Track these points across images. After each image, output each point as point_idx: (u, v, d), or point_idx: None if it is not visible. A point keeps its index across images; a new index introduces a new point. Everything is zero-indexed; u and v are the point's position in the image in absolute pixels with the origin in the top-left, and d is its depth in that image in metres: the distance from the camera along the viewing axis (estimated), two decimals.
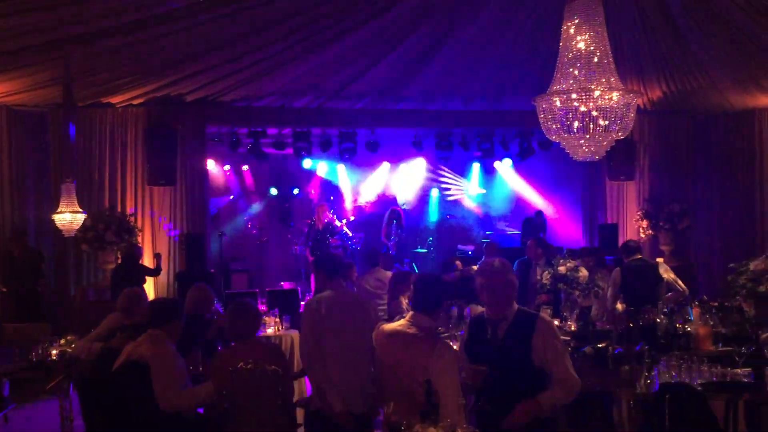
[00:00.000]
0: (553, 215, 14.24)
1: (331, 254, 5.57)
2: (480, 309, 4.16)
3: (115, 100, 10.44)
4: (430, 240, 14.54)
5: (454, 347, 4.11)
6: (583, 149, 6.28)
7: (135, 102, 10.60)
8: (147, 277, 9.79)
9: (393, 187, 14.88)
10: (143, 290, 6.96)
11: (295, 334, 7.16)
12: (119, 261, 9.76)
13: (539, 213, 13.80)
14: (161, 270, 10.05)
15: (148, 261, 10.39)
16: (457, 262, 8.88)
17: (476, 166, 14.83)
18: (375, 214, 14.71)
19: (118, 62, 8.79)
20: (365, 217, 14.63)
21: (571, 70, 6.02)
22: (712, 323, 5.72)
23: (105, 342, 5.26)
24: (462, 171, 14.84)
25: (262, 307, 9.52)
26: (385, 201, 14.74)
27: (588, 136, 6.11)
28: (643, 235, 12.08)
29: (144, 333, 4.36)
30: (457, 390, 3.43)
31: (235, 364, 3.95)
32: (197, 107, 10.88)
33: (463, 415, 3.37)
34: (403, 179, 14.78)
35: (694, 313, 5.94)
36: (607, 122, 6.03)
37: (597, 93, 5.85)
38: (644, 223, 12.12)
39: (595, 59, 5.98)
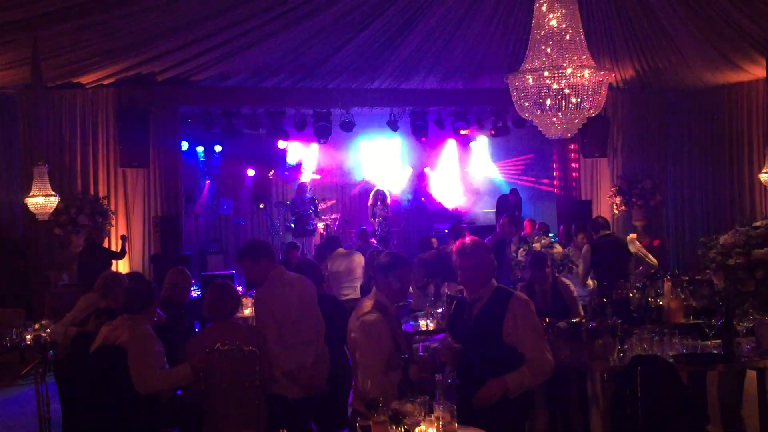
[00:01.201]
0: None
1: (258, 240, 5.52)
2: (457, 287, 4.19)
3: (85, 80, 10.26)
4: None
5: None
6: (556, 127, 6.33)
7: (105, 82, 10.43)
8: (115, 260, 9.74)
9: (368, 166, 14.85)
10: (121, 274, 6.87)
11: None
12: (84, 246, 9.66)
13: (514, 191, 13.89)
14: (126, 252, 9.98)
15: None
16: (433, 240, 8.92)
17: (452, 143, 14.84)
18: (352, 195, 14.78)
19: (88, 41, 8.62)
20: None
21: (543, 48, 6.08)
22: (683, 297, 5.81)
23: (80, 326, 5.23)
24: (438, 149, 14.84)
25: (240, 289, 9.53)
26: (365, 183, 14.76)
27: (560, 114, 6.22)
28: (616, 212, 12.25)
29: (120, 317, 4.34)
30: (366, 357, 3.53)
31: (212, 345, 3.96)
32: (169, 87, 10.74)
33: (372, 382, 3.43)
34: (379, 159, 14.74)
35: (666, 286, 6.03)
36: (579, 100, 6.12)
37: (569, 71, 5.93)
38: (617, 200, 12.27)
39: (567, 37, 6.01)
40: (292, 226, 13.14)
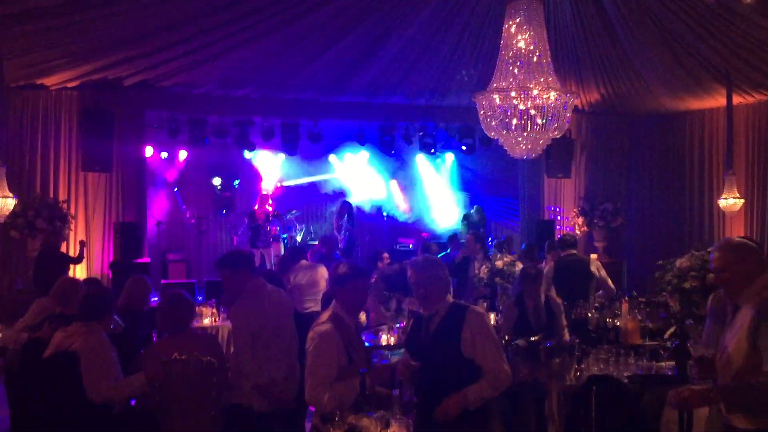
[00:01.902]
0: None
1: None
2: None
3: (49, 81, 10.09)
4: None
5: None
6: (521, 147, 6.46)
7: (69, 85, 10.27)
8: (73, 266, 9.56)
9: (336, 179, 14.85)
10: (78, 280, 6.74)
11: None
12: (40, 251, 9.47)
13: (478, 208, 13.99)
14: (83, 258, 9.80)
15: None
16: (384, 255, 8.92)
17: (420, 158, 14.91)
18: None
19: (54, 43, 8.49)
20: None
21: (511, 68, 6.20)
22: (640, 318, 5.92)
23: (33, 331, 5.11)
24: (403, 164, 14.89)
25: (200, 298, 9.43)
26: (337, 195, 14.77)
27: (526, 134, 6.31)
28: (578, 232, 12.41)
29: (75, 323, 4.25)
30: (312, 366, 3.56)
31: (169, 355, 3.90)
32: (135, 92, 10.60)
33: (319, 394, 3.45)
34: (347, 172, 14.75)
35: (623, 308, 6.14)
36: (544, 121, 6.22)
37: (535, 92, 6.06)
38: (579, 220, 12.45)
39: (535, 59, 6.18)
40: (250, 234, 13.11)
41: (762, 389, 3.03)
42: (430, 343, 3.74)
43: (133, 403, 4.39)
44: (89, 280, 5.88)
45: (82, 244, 9.86)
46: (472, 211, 13.83)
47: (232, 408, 4.07)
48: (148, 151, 12.09)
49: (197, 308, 7.35)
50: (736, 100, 10.67)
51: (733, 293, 3.41)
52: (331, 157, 14.46)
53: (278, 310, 4.30)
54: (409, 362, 3.68)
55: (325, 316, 3.74)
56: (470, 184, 15.05)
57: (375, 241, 14.35)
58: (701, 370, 3.59)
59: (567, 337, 5.49)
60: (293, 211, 14.04)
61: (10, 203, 8.10)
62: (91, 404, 3.97)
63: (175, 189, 13.95)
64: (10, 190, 8.33)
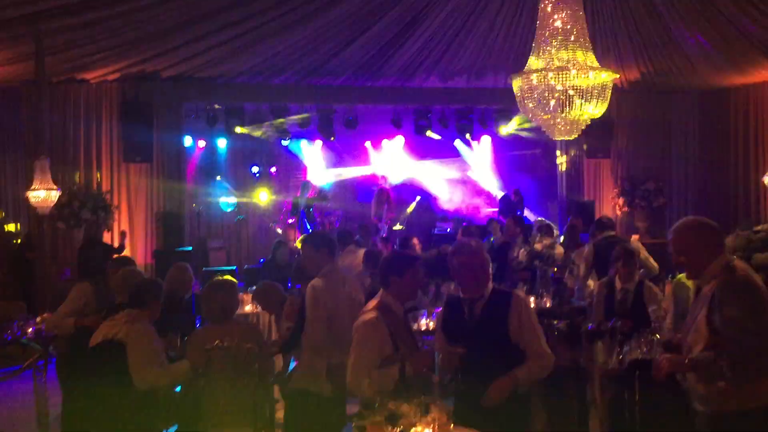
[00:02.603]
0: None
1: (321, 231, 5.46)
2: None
3: (89, 75, 10.29)
4: (406, 214, 14.54)
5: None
6: (560, 128, 6.34)
7: (110, 78, 10.45)
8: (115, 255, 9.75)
9: (377, 165, 14.84)
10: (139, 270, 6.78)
11: None
12: (82, 242, 9.67)
13: (517, 191, 13.86)
14: (124, 248, 9.98)
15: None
16: (414, 241, 8.89)
17: (457, 142, 14.80)
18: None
19: (92, 37, 8.63)
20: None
21: (548, 48, 6.08)
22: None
23: (79, 318, 5.22)
24: (441, 148, 14.80)
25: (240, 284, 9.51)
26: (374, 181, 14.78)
27: (564, 115, 6.20)
28: (619, 213, 12.23)
29: (122, 312, 4.34)
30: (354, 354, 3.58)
31: (211, 343, 3.96)
32: (173, 83, 10.75)
33: (360, 381, 3.46)
34: (386, 158, 14.73)
35: (667, 289, 6.03)
36: (583, 101, 6.11)
37: (573, 72, 5.93)
38: (620, 201, 12.25)
39: (572, 38, 6.01)
40: (290, 221, 13.18)
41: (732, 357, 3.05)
42: (475, 328, 3.72)
43: (178, 389, 4.47)
44: (124, 261, 5.94)
45: (123, 234, 10.06)
46: (509, 194, 13.72)
47: (297, 393, 4.13)
48: (188, 140, 12.24)
49: (240, 295, 7.44)
50: None
51: (692, 275, 3.43)
52: (368, 144, 14.44)
53: (351, 294, 4.38)
54: (454, 348, 3.64)
55: (372, 303, 3.73)
56: (508, 167, 14.89)
57: (413, 227, 14.32)
58: (668, 352, 3.61)
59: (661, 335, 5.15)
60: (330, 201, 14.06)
61: (54, 195, 8.29)
62: (137, 391, 4.06)
63: (218, 177, 14.08)
64: (55, 182, 8.52)
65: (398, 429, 2.91)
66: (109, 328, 4.23)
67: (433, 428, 2.94)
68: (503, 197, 13.87)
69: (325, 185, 14.04)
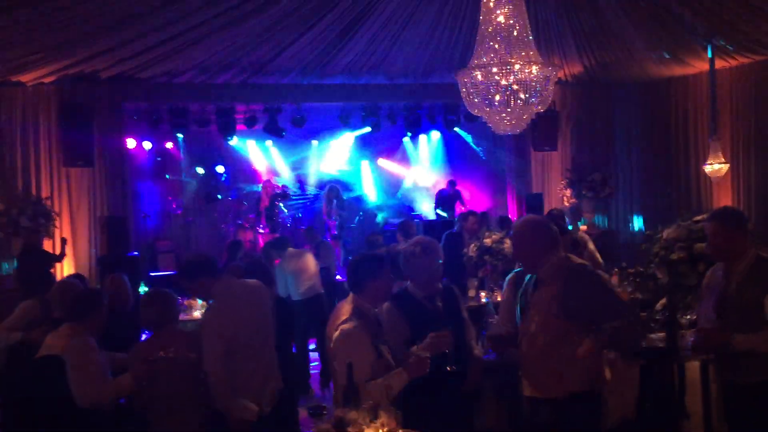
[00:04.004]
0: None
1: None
2: (401, 284, 4.12)
3: (25, 78, 9.93)
4: (360, 214, 14.52)
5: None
6: (505, 123, 6.39)
7: (46, 80, 10.11)
8: (56, 263, 9.50)
9: (321, 163, 14.74)
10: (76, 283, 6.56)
11: None
12: (21, 250, 9.38)
13: (451, 182, 13.85)
14: (65, 255, 9.71)
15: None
16: (379, 238, 8.90)
17: (405, 141, 14.79)
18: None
19: (26, 37, 8.33)
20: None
21: (491, 44, 6.11)
22: (630, 290, 5.90)
23: (24, 333, 5.05)
24: (389, 145, 14.78)
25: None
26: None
27: (509, 110, 6.23)
28: (567, 204, 12.40)
29: (63, 325, 4.18)
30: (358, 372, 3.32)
31: (155, 354, 3.85)
32: (113, 84, 10.47)
33: (378, 396, 3.27)
34: (333, 155, 14.64)
35: (613, 279, 6.12)
36: (527, 95, 6.15)
37: (517, 67, 5.97)
38: (567, 192, 12.43)
39: (515, 33, 6.08)
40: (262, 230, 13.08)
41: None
42: (441, 320, 3.82)
43: (122, 401, 4.34)
44: (74, 276, 5.78)
45: (63, 241, 9.77)
46: (445, 188, 13.77)
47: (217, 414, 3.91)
48: (131, 143, 11.95)
49: (186, 301, 7.30)
50: (719, 64, 10.62)
51: (528, 270, 3.71)
52: (314, 143, 14.33)
53: (252, 307, 4.09)
54: (439, 333, 3.59)
55: (346, 310, 3.57)
56: (456, 162, 14.94)
57: (364, 225, 14.28)
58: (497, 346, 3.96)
59: None
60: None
61: None
62: (79, 408, 3.92)
63: (168, 176, 13.79)
64: None
65: None
66: (51, 341, 4.08)
67: None
68: (439, 191, 13.96)
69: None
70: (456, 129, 13.20)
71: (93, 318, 4.23)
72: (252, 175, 14.42)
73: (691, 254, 4.65)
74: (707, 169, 10.15)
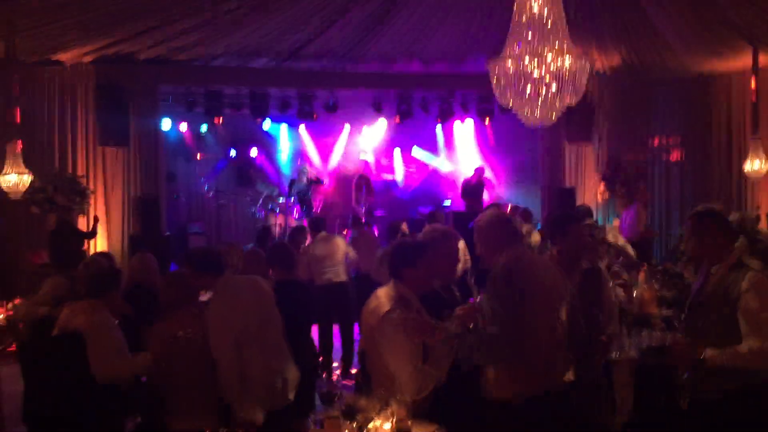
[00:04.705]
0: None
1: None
2: None
3: (63, 57, 10.09)
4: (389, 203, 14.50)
5: None
6: (536, 114, 6.27)
7: (85, 60, 10.26)
8: (87, 240, 9.67)
9: (357, 149, 14.75)
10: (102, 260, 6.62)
11: None
12: (53, 226, 9.56)
13: (478, 170, 13.62)
14: (96, 233, 9.87)
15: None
16: (403, 226, 8.85)
17: (438, 129, 14.71)
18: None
19: (67, 16, 8.44)
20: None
21: (524, 33, 6.00)
22: (657, 287, 5.79)
23: (52, 308, 5.15)
24: (422, 133, 14.72)
25: None
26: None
27: (540, 101, 6.13)
28: (600, 199, 12.21)
29: (81, 300, 4.25)
30: (398, 358, 3.31)
31: (175, 333, 3.88)
32: (150, 66, 10.58)
33: (415, 386, 3.24)
34: (366, 141, 14.64)
35: (640, 276, 6.01)
36: (559, 87, 6.03)
37: (549, 58, 5.86)
38: (601, 187, 12.23)
39: (549, 23, 5.96)
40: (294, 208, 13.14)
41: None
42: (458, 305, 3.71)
43: (143, 380, 4.40)
44: (101, 254, 5.87)
45: (96, 219, 9.93)
46: (470, 177, 13.60)
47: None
48: (167, 124, 12.09)
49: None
50: (763, 61, 10.32)
51: (485, 264, 3.53)
52: (347, 128, 14.33)
53: (255, 300, 4.07)
54: (467, 305, 3.57)
55: (386, 299, 3.48)
56: (487, 152, 14.81)
57: (394, 212, 14.25)
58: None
59: None
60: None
61: (26, 179, 8.14)
62: (98, 383, 3.99)
63: (198, 156, 13.93)
64: (29, 165, 8.37)
65: (355, 424, 2.86)
66: (67, 317, 4.15)
67: (392, 423, 2.90)
68: (464, 180, 13.80)
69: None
70: (486, 119, 13.03)
71: (111, 296, 4.28)
72: (285, 159, 14.50)
73: None
74: (747, 168, 9.90)
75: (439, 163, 15.13)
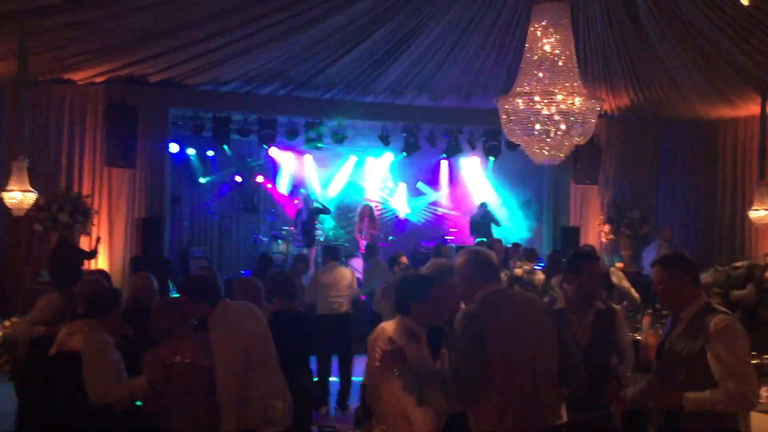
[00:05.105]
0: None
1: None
2: None
3: (76, 76, 10.17)
4: (390, 238, 14.44)
5: None
6: (543, 152, 6.27)
7: (97, 80, 10.34)
8: (87, 260, 9.64)
9: (361, 180, 14.77)
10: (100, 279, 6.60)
11: None
12: (55, 244, 9.54)
13: (482, 205, 13.58)
14: (97, 253, 9.84)
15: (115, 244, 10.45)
16: (402, 258, 8.80)
17: (444, 164, 14.73)
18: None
19: (80, 38, 8.54)
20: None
21: (535, 72, 6.02)
22: (661, 332, 5.71)
23: (47, 327, 5.10)
24: (428, 167, 14.75)
25: None
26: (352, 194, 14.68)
27: (548, 140, 6.13)
28: (604, 240, 12.18)
29: (79, 320, 4.20)
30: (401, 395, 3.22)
31: (171, 358, 3.82)
32: (161, 88, 10.66)
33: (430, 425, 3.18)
34: (371, 173, 14.67)
35: (644, 321, 5.95)
36: (568, 127, 6.03)
37: (560, 97, 5.87)
38: (606, 228, 12.20)
39: (560, 63, 5.97)
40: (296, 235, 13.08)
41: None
42: None
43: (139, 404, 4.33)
44: (98, 273, 5.80)
45: (98, 240, 9.92)
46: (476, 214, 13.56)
47: None
48: (174, 147, 12.13)
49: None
50: None
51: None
52: (353, 159, 14.37)
53: (254, 326, 4.05)
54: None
55: (395, 331, 3.38)
56: (495, 188, 14.81)
57: (396, 244, 14.20)
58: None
59: None
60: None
61: (30, 197, 8.14)
62: (92, 405, 3.92)
63: (201, 180, 13.93)
64: (35, 183, 8.38)
65: None
66: (64, 336, 4.09)
67: None
68: (471, 217, 13.76)
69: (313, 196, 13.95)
70: (492, 156, 13.03)
71: (110, 316, 4.23)
72: (290, 186, 14.50)
73: (728, 301, 4.48)
74: (752, 214, 9.88)
75: (443, 198, 15.13)
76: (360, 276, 10.00)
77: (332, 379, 7.99)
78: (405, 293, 3.49)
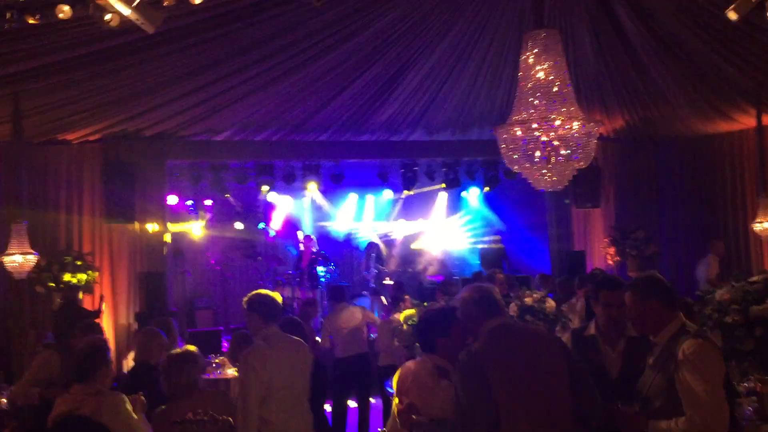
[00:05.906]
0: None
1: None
2: None
3: (70, 136, 10.18)
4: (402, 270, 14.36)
5: None
6: (546, 179, 6.21)
7: (91, 138, 10.34)
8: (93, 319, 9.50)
9: (360, 219, 14.74)
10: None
11: None
12: (59, 305, 9.44)
13: (497, 239, 13.59)
14: (102, 311, 9.74)
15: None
16: (406, 297, 8.73)
17: (442, 196, 14.71)
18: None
19: (72, 99, 8.54)
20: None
21: (530, 99, 6.00)
22: None
23: (45, 389, 5.00)
24: (428, 201, 14.72)
25: (226, 346, 9.26)
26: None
27: (550, 166, 6.08)
28: (610, 262, 12.07)
29: (73, 386, 4.01)
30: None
31: (182, 416, 3.71)
32: (156, 142, 10.65)
33: None
34: (371, 212, 14.65)
35: None
36: (568, 151, 5.99)
37: (557, 122, 5.84)
38: (611, 250, 12.11)
39: (555, 89, 5.95)
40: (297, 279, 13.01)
41: None
42: None
43: None
44: (89, 328, 5.62)
45: (101, 298, 9.83)
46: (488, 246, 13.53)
47: None
48: (173, 199, 12.10)
49: (220, 359, 7.18)
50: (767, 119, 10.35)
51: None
52: (352, 197, 14.35)
53: (291, 360, 4.10)
54: None
55: (426, 369, 3.39)
56: (497, 218, 14.78)
57: (403, 281, 14.09)
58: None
59: None
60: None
61: (31, 260, 8.05)
62: None
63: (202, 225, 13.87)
64: (35, 245, 8.30)
65: None
66: (68, 404, 3.94)
67: None
68: (483, 250, 13.74)
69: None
70: (491, 186, 13.02)
71: (101, 372, 4.06)
72: (290, 230, 14.45)
73: (747, 317, 4.37)
74: (756, 227, 9.78)
75: (444, 232, 15.07)
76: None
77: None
78: (429, 331, 3.44)
